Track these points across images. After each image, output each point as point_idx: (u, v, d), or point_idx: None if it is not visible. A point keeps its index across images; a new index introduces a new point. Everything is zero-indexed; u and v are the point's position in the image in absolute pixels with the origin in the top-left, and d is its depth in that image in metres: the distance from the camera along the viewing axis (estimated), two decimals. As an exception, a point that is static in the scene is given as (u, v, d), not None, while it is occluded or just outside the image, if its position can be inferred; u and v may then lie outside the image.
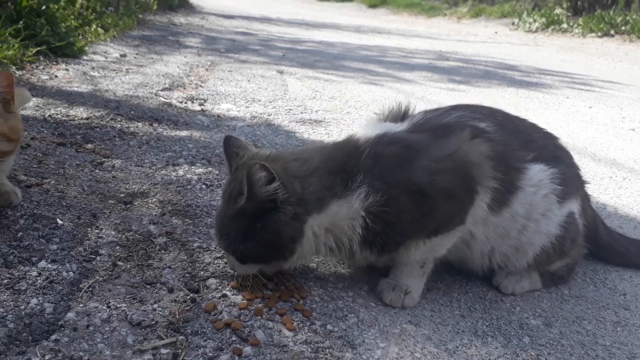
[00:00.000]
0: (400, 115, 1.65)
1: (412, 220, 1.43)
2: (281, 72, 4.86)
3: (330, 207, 1.41)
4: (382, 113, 1.69)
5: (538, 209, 1.56)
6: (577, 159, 3.09)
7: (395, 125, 1.60)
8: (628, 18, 10.28)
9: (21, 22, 3.80)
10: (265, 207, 1.38)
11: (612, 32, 10.32)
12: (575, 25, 11.05)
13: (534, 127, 1.74)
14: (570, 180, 1.64)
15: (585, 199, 1.80)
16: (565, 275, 1.75)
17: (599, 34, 10.40)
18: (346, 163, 1.45)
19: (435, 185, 1.42)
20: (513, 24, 12.43)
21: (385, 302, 1.51)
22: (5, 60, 3.43)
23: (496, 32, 11.73)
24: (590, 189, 2.65)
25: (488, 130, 1.56)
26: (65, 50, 4.20)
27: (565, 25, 11.27)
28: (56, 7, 4.44)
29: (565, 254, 1.66)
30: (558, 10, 12.19)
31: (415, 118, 1.62)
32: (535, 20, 11.86)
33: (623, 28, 10.17)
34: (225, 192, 1.49)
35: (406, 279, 1.53)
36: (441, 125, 1.56)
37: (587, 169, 2.95)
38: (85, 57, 4.37)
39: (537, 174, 1.56)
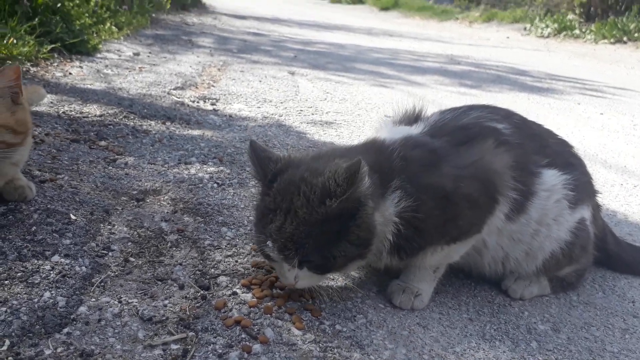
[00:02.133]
0: (414, 117, 1.66)
1: (436, 226, 1.43)
2: (292, 73, 4.88)
3: (380, 208, 1.37)
4: (396, 116, 1.70)
5: (550, 214, 1.56)
6: (588, 165, 3.08)
7: (410, 127, 1.60)
8: (641, 25, 10.21)
9: (36, 19, 3.84)
10: (352, 205, 1.31)
11: (624, 38, 10.26)
12: (588, 31, 10.99)
13: (549, 132, 1.75)
14: (582, 186, 1.65)
15: (597, 208, 1.80)
16: (574, 281, 1.75)
17: (612, 40, 10.34)
18: (382, 164, 1.42)
19: (460, 191, 1.42)
20: (525, 29, 12.38)
21: (394, 303, 1.52)
22: (20, 57, 3.47)
23: (508, 37, 11.69)
24: (600, 196, 2.65)
25: (505, 132, 1.57)
26: (79, 47, 4.23)
27: (577, 31, 11.21)
28: (71, 4, 4.49)
29: (574, 260, 1.66)
30: (570, 16, 12.13)
31: (432, 118, 1.62)
32: (547, 26, 11.81)
33: (636, 35, 10.10)
34: (278, 203, 1.34)
35: (418, 283, 1.54)
36: (460, 127, 1.56)
37: (598, 176, 2.94)
38: (99, 55, 4.40)
39: (551, 178, 1.56)
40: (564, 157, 1.67)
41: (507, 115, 1.66)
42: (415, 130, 1.58)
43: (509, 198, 1.50)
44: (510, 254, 1.60)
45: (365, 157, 1.38)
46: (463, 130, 1.55)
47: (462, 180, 1.43)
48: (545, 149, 1.63)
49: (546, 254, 1.61)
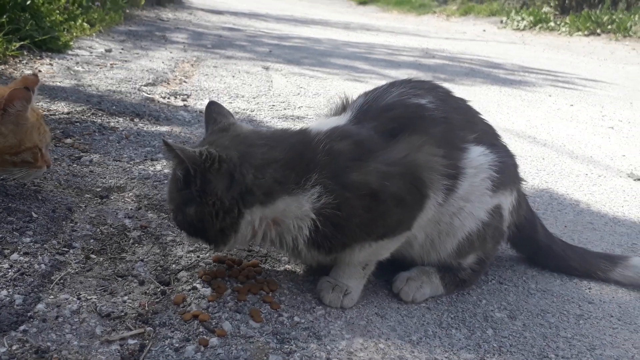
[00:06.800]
0: (341, 107, 1.65)
1: (362, 224, 1.40)
2: (267, 68, 4.88)
3: (277, 203, 1.38)
4: (329, 111, 1.70)
5: (475, 191, 1.51)
6: (555, 156, 3.17)
7: (338, 118, 1.58)
8: (614, 17, 10.37)
9: (5, 16, 3.78)
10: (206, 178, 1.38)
11: (598, 30, 10.40)
12: (563, 23, 11.12)
13: (475, 110, 1.69)
14: (507, 170, 1.60)
15: (522, 196, 1.75)
16: (467, 278, 1.66)
17: (586, 32, 10.48)
18: (301, 158, 1.41)
19: (387, 190, 1.39)
20: (501, 22, 12.49)
21: (324, 302, 1.49)
22: (-13, 55, 3.43)
23: (484, 30, 11.78)
24: (565, 185, 2.71)
25: (429, 107, 1.53)
26: (49, 44, 4.19)
27: (552, 24, 11.34)
28: (41, 1, 4.43)
29: (483, 245, 1.61)
30: (546, 9, 12.27)
31: (357, 102, 1.59)
32: (523, 19, 11.93)
33: (609, 27, 10.25)
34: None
35: (347, 280, 1.51)
36: (383, 108, 1.52)
37: (564, 166, 3.00)
38: (70, 52, 4.36)
39: (479, 157, 1.52)
40: (489, 135, 1.65)
41: (431, 89, 1.62)
42: (343, 119, 1.56)
43: (441, 188, 1.46)
44: (435, 237, 1.55)
45: (290, 148, 1.43)
46: (387, 111, 1.52)
47: (388, 178, 1.39)
48: (472, 125, 1.60)
49: (465, 233, 1.55)
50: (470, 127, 1.59)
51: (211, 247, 1.51)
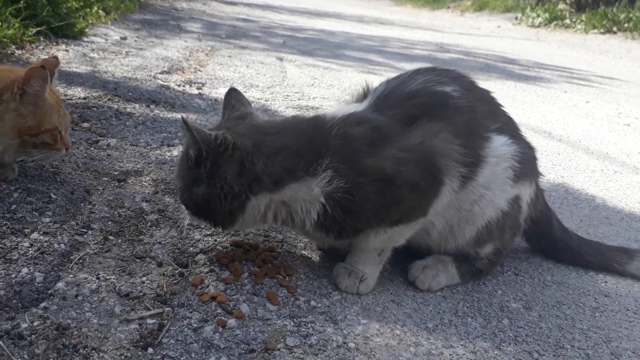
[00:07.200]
0: (363, 95, 1.64)
1: (375, 210, 1.40)
2: (280, 59, 4.87)
3: (284, 190, 1.39)
4: (351, 99, 1.70)
5: (497, 179, 1.51)
6: (571, 151, 3.15)
7: (359, 105, 1.57)
8: (631, 15, 10.25)
9: (22, 2, 3.80)
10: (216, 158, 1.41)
11: (614, 29, 10.30)
12: (578, 21, 11.02)
13: (496, 100, 1.67)
14: (528, 162, 1.60)
15: (539, 190, 1.74)
16: (484, 267, 1.66)
17: (602, 30, 10.38)
18: (314, 142, 1.41)
19: (401, 176, 1.38)
20: (516, 18, 12.39)
21: (340, 288, 1.49)
22: (5, 39, 3.45)
23: (499, 26, 11.70)
24: (580, 180, 2.69)
25: (454, 95, 1.52)
26: (65, 31, 4.21)
27: (568, 21, 11.24)
28: (57, -13, 4.44)
29: (502, 234, 1.60)
30: (561, 6, 12.16)
31: (379, 90, 1.57)
32: (538, 15, 11.83)
33: (626, 25, 10.14)
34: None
35: (363, 266, 1.51)
36: (406, 95, 1.51)
37: (580, 162, 2.98)
38: (85, 39, 4.37)
39: (501, 146, 1.51)
40: (512, 126, 1.64)
41: (456, 77, 1.59)
42: (362, 106, 1.54)
43: (456, 175, 1.45)
44: (454, 224, 1.55)
45: (301, 134, 1.43)
46: (411, 98, 1.50)
47: (404, 163, 1.39)
48: (496, 115, 1.59)
49: (485, 221, 1.54)
50: (494, 117, 1.58)
51: (216, 228, 1.54)
